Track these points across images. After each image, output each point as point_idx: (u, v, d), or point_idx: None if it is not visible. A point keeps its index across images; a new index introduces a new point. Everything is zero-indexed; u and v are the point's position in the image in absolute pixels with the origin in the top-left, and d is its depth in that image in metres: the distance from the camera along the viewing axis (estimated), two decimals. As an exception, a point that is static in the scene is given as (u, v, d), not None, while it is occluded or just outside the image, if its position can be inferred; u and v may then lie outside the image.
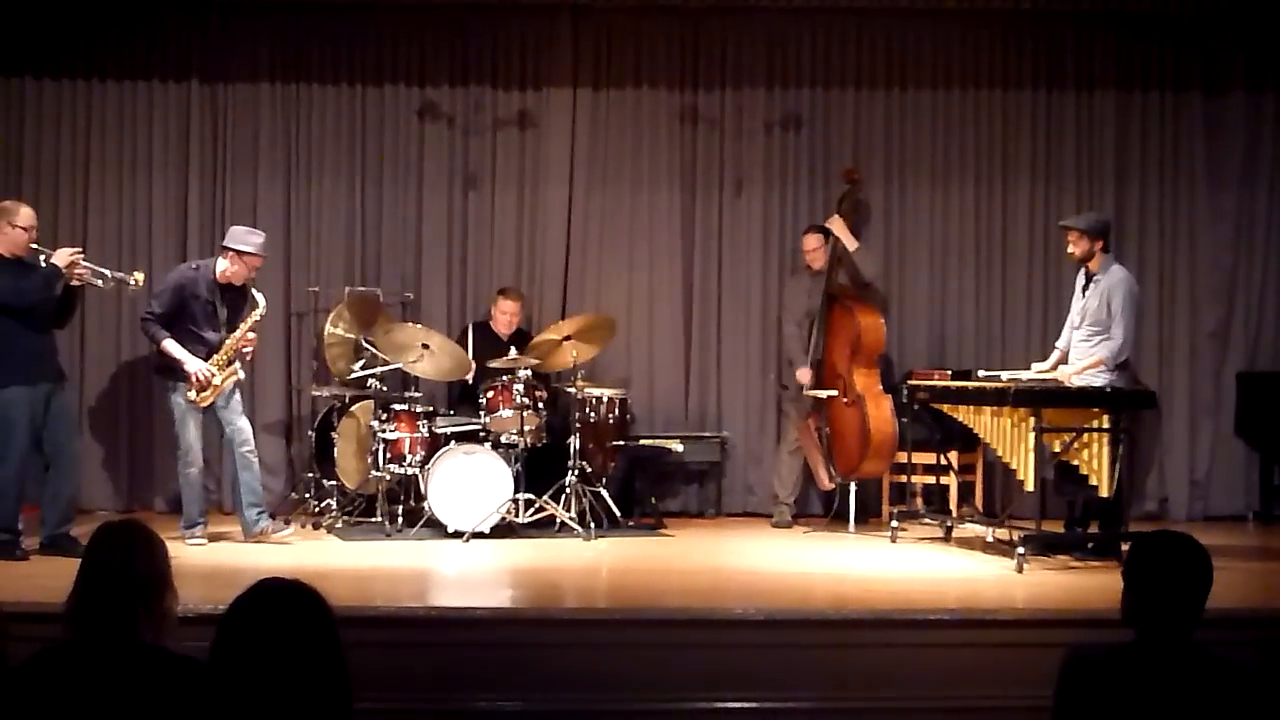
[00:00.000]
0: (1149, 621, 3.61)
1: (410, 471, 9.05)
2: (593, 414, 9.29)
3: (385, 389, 9.26)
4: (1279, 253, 10.40)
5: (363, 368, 9.35)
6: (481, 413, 9.10)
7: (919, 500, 9.69)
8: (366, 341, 9.48)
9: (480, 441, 9.03)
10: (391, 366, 9.20)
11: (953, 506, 9.64)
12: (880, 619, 6.41)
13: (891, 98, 10.41)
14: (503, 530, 8.82)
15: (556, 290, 10.38)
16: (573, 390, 9.19)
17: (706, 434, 10.27)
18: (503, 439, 8.99)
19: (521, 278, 10.33)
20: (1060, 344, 8.57)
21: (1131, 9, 10.19)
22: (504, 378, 9.08)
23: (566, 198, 10.36)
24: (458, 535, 8.68)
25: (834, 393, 9.53)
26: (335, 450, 9.41)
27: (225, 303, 8.68)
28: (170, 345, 8.44)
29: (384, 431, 8.99)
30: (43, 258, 7.96)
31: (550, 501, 8.95)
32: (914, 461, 9.33)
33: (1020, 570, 7.65)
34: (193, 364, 8.43)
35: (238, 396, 8.73)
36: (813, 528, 9.65)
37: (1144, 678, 3.53)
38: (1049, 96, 10.38)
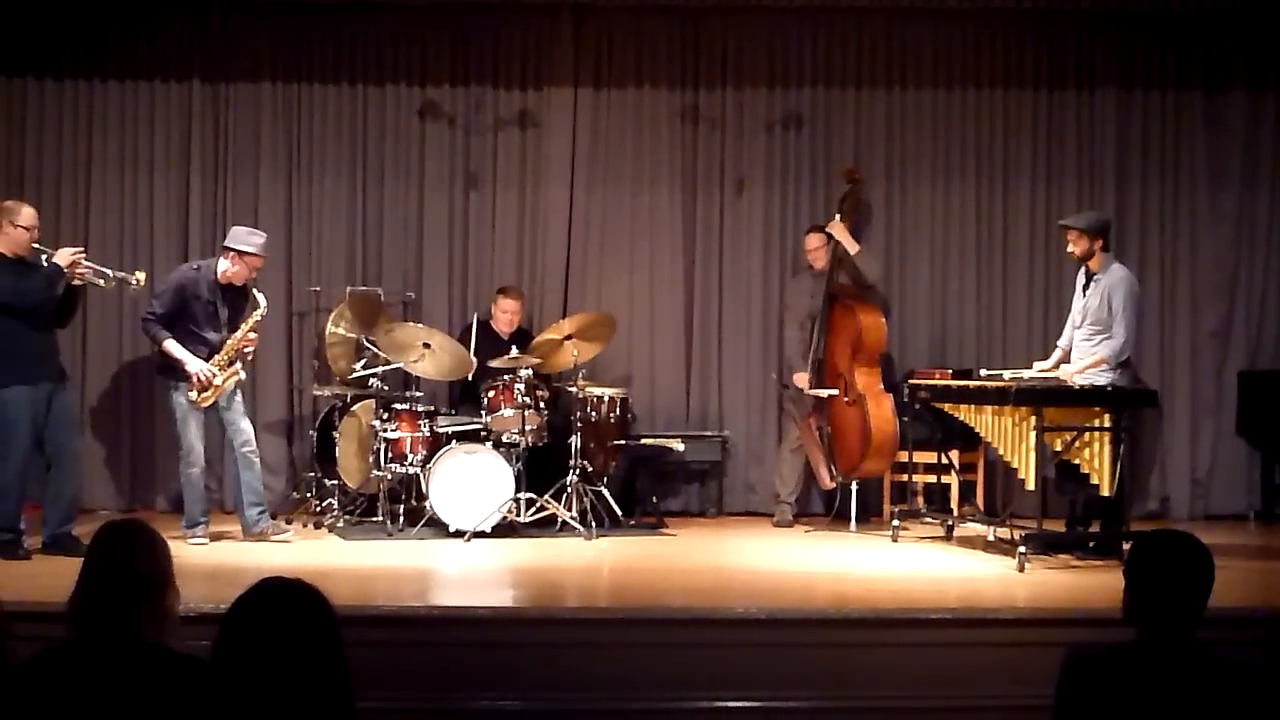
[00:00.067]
0: (1150, 621, 3.61)
1: (412, 471, 9.05)
2: (594, 413, 9.29)
3: (386, 388, 9.26)
4: (1280, 252, 10.42)
5: (364, 367, 9.36)
6: (483, 412, 9.10)
7: (920, 499, 9.69)
8: (368, 341, 9.49)
9: (481, 441, 9.03)
10: (393, 366, 9.20)
11: (954, 506, 9.64)
12: (881, 618, 6.41)
13: (892, 97, 10.41)
14: (504, 530, 8.82)
15: (557, 290, 10.38)
16: (574, 389, 9.19)
17: (708, 433, 10.27)
18: (504, 438, 8.99)
19: (522, 277, 10.33)
20: (1061, 343, 8.57)
21: (1132, 8, 10.18)
22: (505, 377, 9.08)
23: (568, 197, 10.36)
24: (459, 534, 8.69)
25: (835, 392, 9.53)
26: (337, 450, 9.41)
27: (226, 303, 8.68)
28: (171, 345, 8.45)
29: (385, 431, 9.00)
30: (44, 257, 7.96)
31: (551, 501, 8.95)
32: (915, 460, 9.33)
33: (1022, 569, 7.65)
34: (194, 364, 8.43)
35: (239, 396, 8.73)
36: (814, 527, 9.66)
37: (1145, 677, 3.53)
38: (1050, 96, 10.38)
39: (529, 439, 8.99)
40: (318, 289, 10.11)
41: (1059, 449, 8.04)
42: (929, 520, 9.21)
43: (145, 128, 10.17)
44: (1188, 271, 10.37)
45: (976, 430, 8.46)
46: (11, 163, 10.08)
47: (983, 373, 8.73)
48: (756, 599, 6.77)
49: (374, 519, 9.16)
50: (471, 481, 8.78)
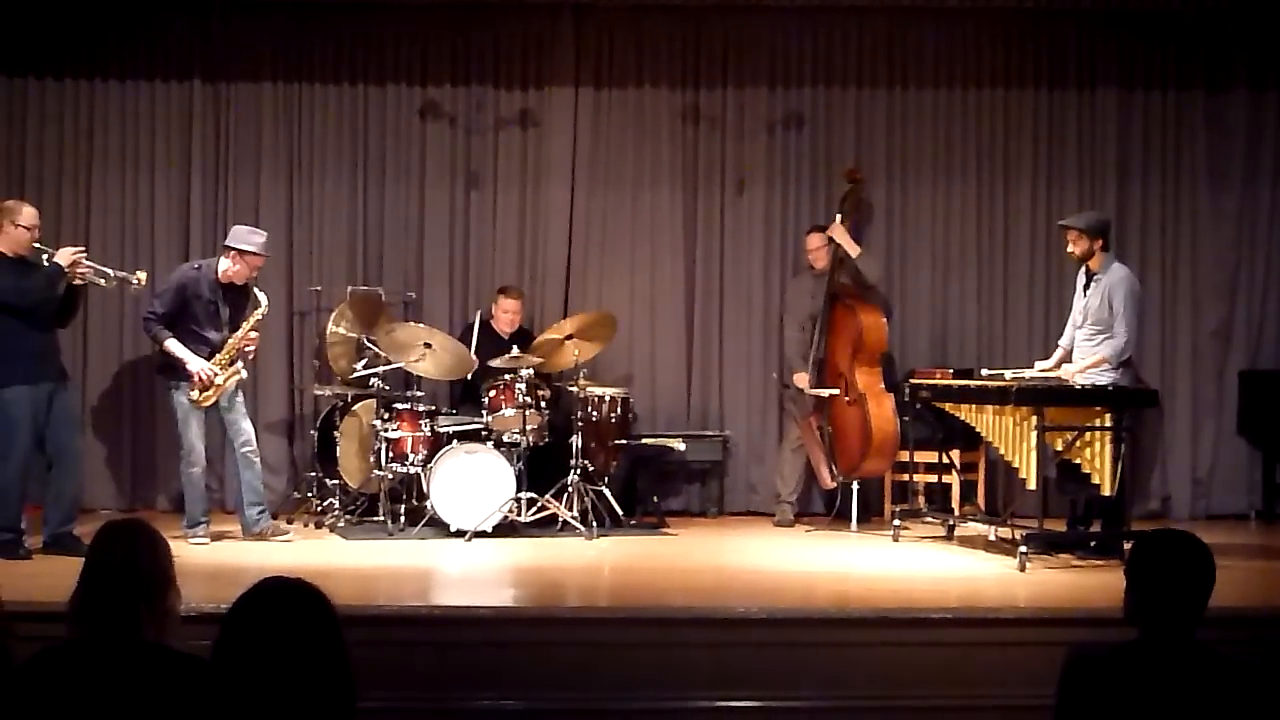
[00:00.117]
0: (1151, 620, 3.61)
1: (412, 470, 9.05)
2: (595, 413, 9.29)
3: (387, 388, 9.26)
4: (1281, 251, 10.42)
5: (365, 367, 9.36)
6: (484, 412, 9.10)
7: (921, 499, 9.69)
8: (368, 341, 9.49)
9: (482, 440, 9.03)
10: (393, 366, 9.20)
11: (955, 505, 9.64)
12: (882, 618, 6.41)
13: (894, 97, 10.41)
14: (505, 529, 8.82)
15: (558, 289, 10.38)
16: (575, 389, 9.19)
17: (708, 433, 10.27)
18: (505, 438, 8.99)
19: (523, 277, 10.33)
20: (1063, 342, 8.57)
21: (1134, 8, 10.19)
22: (506, 377, 9.08)
23: (568, 197, 10.36)
24: (460, 534, 8.68)
25: (836, 391, 9.53)
26: (337, 449, 9.41)
27: (227, 302, 8.68)
28: (173, 345, 8.45)
29: (386, 430, 9.00)
30: (45, 257, 7.96)
31: (552, 500, 8.95)
32: (916, 460, 9.34)
33: (1023, 569, 7.65)
34: (195, 364, 8.43)
35: (240, 397, 8.74)
36: (815, 526, 9.66)
37: (1147, 677, 3.53)
38: (1051, 95, 10.38)
39: (530, 438, 8.99)
40: (319, 289, 10.11)
41: (1060, 448, 8.04)
42: (930, 520, 9.21)
43: (146, 127, 10.16)
44: (1189, 271, 10.36)
45: (977, 430, 8.45)
46: (12, 162, 10.08)
47: (984, 372, 8.74)
48: (757, 598, 6.76)
49: (375, 519, 9.16)
50: (472, 481, 8.78)
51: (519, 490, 8.85)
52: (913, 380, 9.16)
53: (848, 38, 10.42)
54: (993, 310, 10.42)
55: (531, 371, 9.07)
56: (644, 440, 9.83)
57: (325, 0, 10.14)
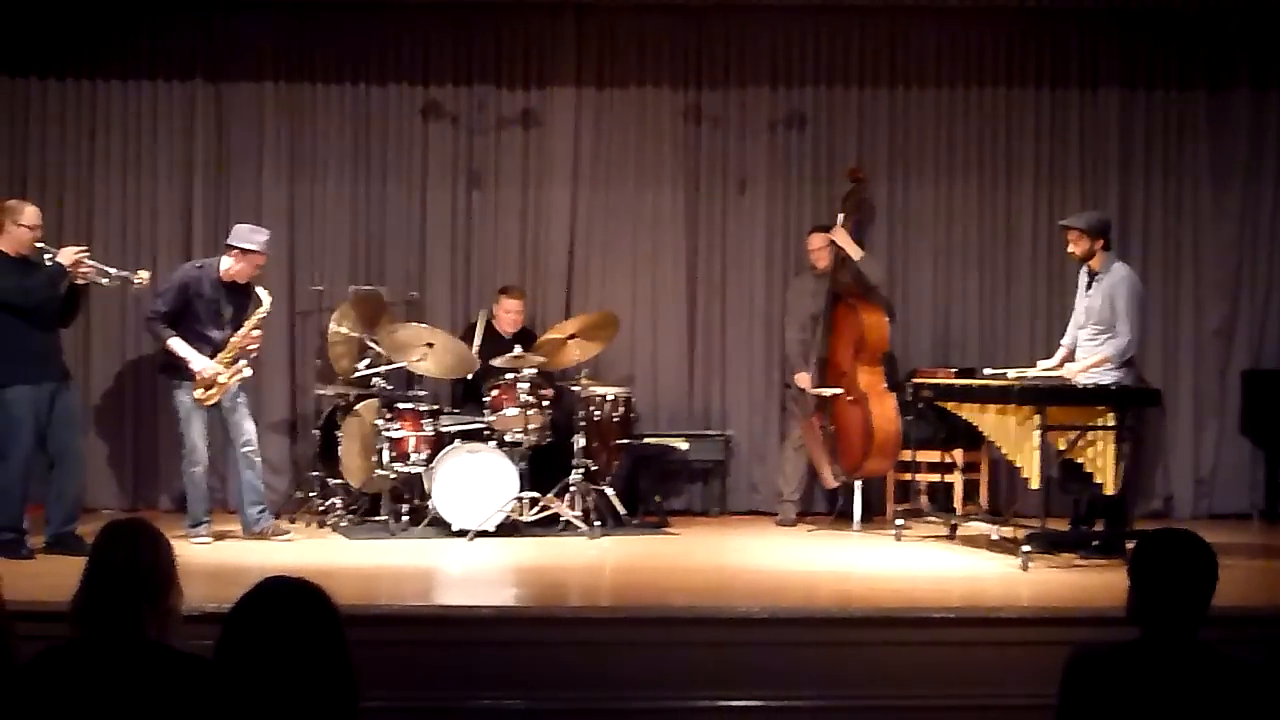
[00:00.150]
0: (1154, 620, 3.61)
1: (415, 470, 9.05)
2: (597, 412, 9.29)
3: (390, 387, 9.26)
4: (1284, 250, 10.42)
5: (367, 366, 9.36)
6: (486, 411, 9.09)
7: (923, 498, 9.70)
8: (371, 340, 9.49)
9: (485, 440, 9.03)
10: (395, 365, 9.20)
11: (957, 505, 9.64)
12: (885, 617, 6.41)
13: (895, 96, 10.41)
14: (507, 529, 8.83)
15: (560, 289, 10.38)
16: (577, 389, 9.20)
17: (711, 432, 10.27)
18: (507, 437, 8.99)
19: (525, 276, 10.32)
20: (1065, 341, 8.56)
21: (1135, 6, 10.19)
22: (508, 376, 9.08)
23: (570, 196, 10.36)
24: (462, 534, 8.68)
25: (838, 391, 9.53)
26: (340, 449, 9.40)
27: (230, 301, 8.69)
28: (176, 344, 8.46)
29: (388, 430, 9.00)
30: (48, 256, 7.97)
31: (555, 500, 8.96)
32: (918, 460, 9.35)
33: (1025, 568, 7.65)
34: (198, 362, 8.44)
35: (243, 397, 8.75)
36: (817, 526, 9.66)
37: (1149, 676, 3.53)
38: (1053, 94, 10.37)
39: (532, 438, 8.99)
40: (321, 288, 10.10)
41: (1063, 448, 8.04)
42: (932, 519, 9.20)
43: (148, 127, 10.17)
44: (1191, 270, 10.36)
45: (980, 429, 8.45)
46: (14, 162, 10.09)
47: (987, 372, 8.72)
48: (760, 598, 6.77)
49: (377, 518, 9.17)
50: (475, 480, 8.78)
51: (521, 490, 8.85)
52: (915, 379, 9.16)
53: (849, 37, 10.41)
54: (995, 309, 10.41)
55: (534, 371, 9.07)
56: (646, 440, 9.84)
57: (326, 0, 10.13)
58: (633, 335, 10.31)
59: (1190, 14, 10.21)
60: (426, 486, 8.91)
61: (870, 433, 9.33)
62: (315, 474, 9.71)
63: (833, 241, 9.69)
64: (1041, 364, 8.62)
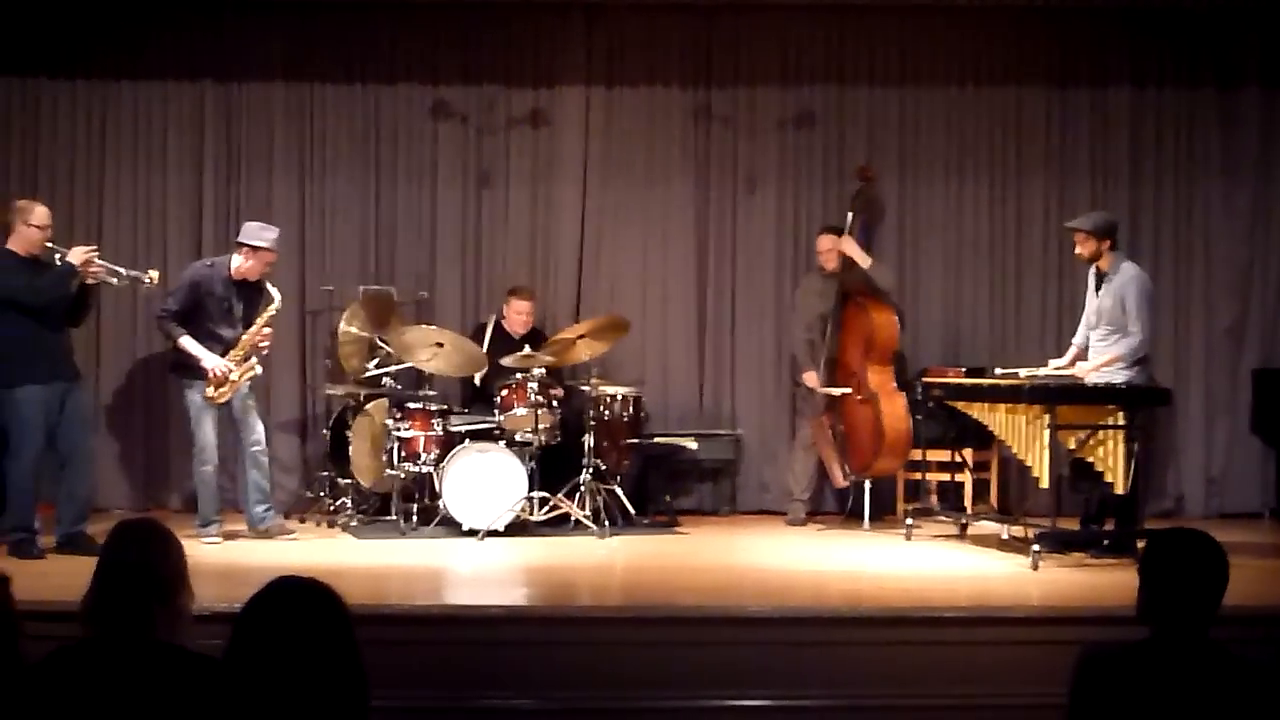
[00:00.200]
0: (1165, 619, 3.60)
1: (425, 470, 9.06)
2: (607, 412, 9.29)
3: (400, 387, 9.27)
4: (1294, 249, 10.39)
5: (377, 366, 9.37)
6: (496, 411, 9.10)
7: (933, 498, 9.68)
8: (381, 340, 9.50)
9: (494, 440, 9.03)
10: (405, 365, 9.21)
11: (967, 504, 9.62)
12: (894, 616, 6.40)
13: (905, 94, 10.40)
14: (517, 528, 8.83)
15: (570, 288, 10.38)
16: (587, 388, 9.20)
17: (720, 431, 10.26)
18: (517, 437, 9.00)
19: (535, 275, 10.32)
20: (1077, 340, 8.55)
21: (1145, 5, 10.17)
22: (518, 376, 9.09)
23: (580, 195, 10.37)
24: (472, 533, 8.69)
25: (848, 390, 9.53)
26: (350, 449, 9.41)
27: (241, 299, 8.71)
28: (187, 342, 8.47)
29: (398, 430, 9.00)
30: (58, 256, 7.98)
31: (564, 499, 8.95)
32: (928, 459, 9.33)
33: (1035, 568, 7.64)
34: (210, 360, 8.45)
35: (253, 398, 8.77)
36: (827, 525, 9.65)
37: (1160, 676, 3.52)
38: (1062, 92, 10.36)
39: (542, 438, 9.00)
40: (330, 288, 10.11)
41: (1073, 447, 8.02)
42: (942, 519, 9.20)
43: (158, 127, 10.18)
44: (1202, 269, 10.34)
45: (990, 428, 8.44)
46: (25, 162, 10.11)
47: (998, 371, 8.71)
48: (769, 597, 6.77)
49: (387, 518, 9.18)
50: (484, 480, 8.79)
51: (531, 489, 8.85)
52: (925, 379, 9.16)
53: (859, 36, 10.41)
54: (1004, 308, 10.40)
55: (544, 371, 9.07)
56: (656, 439, 9.84)
57: (336, 0, 10.14)
58: (642, 334, 10.30)
59: (1200, 12, 10.19)
60: (436, 486, 8.91)
61: (880, 432, 9.32)
62: (325, 474, 9.72)
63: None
64: (1053, 363, 8.60)
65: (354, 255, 10.28)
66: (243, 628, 3.00)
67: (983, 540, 8.65)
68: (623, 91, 10.40)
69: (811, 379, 9.71)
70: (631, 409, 9.42)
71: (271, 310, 8.73)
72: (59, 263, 7.95)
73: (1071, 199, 10.19)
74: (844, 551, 8.54)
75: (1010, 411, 8.16)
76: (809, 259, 10.15)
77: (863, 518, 9.46)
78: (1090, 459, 8.00)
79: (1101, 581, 7.42)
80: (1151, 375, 8.72)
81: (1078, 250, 8.36)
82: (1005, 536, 8.42)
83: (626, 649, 6.11)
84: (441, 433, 9.07)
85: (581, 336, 9.21)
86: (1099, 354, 8.25)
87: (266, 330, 8.73)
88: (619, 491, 9.16)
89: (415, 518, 8.99)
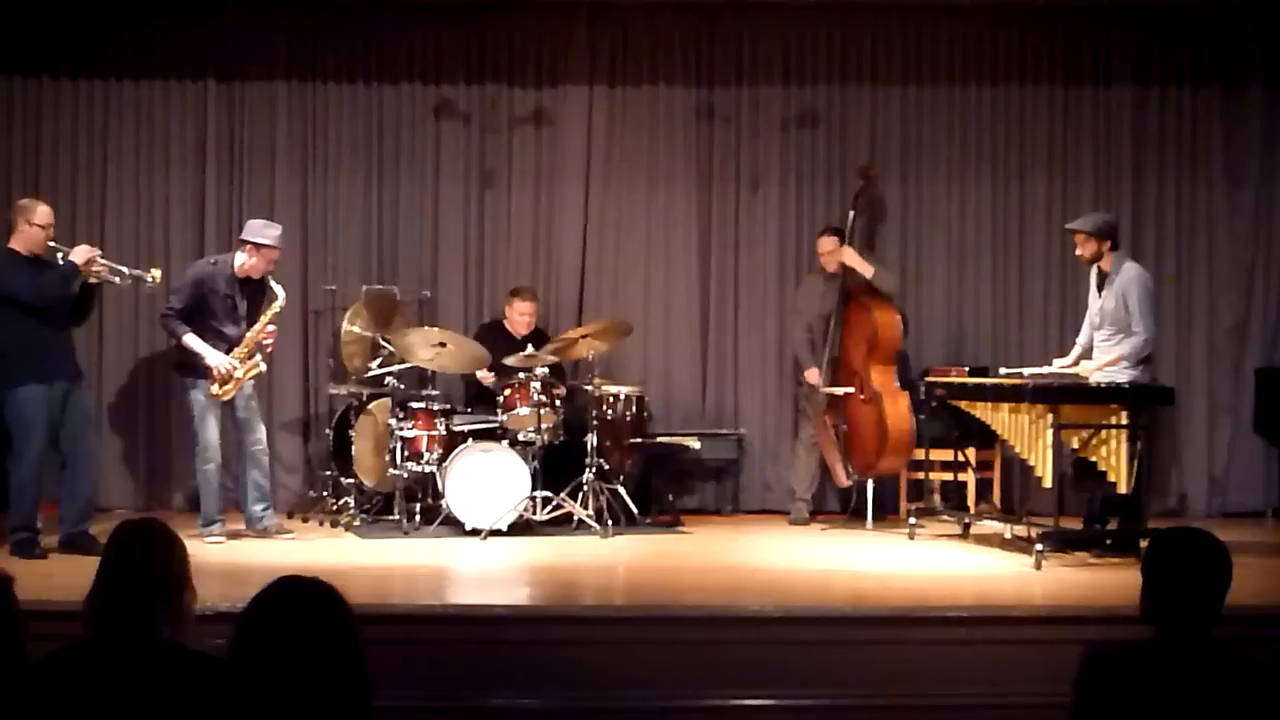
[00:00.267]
0: (1168, 618, 3.59)
1: (428, 469, 9.06)
2: (610, 411, 9.29)
3: (403, 387, 9.26)
4: (1297, 248, 10.39)
5: (380, 365, 9.37)
6: (499, 410, 9.10)
7: (937, 497, 9.67)
8: (383, 339, 9.50)
9: (497, 439, 9.03)
10: (408, 365, 9.21)
11: (970, 503, 9.62)
12: (898, 616, 6.40)
13: (908, 93, 10.39)
14: (520, 528, 8.82)
15: (573, 287, 10.38)
16: (590, 388, 9.19)
17: (723, 431, 10.26)
18: (520, 436, 9.00)
19: (538, 275, 10.33)
20: (1081, 340, 8.54)
21: (1149, 4, 10.17)
22: (521, 375, 9.09)
23: (583, 195, 10.37)
24: (475, 533, 8.69)
25: (851, 390, 9.52)
26: (353, 448, 9.42)
27: (244, 296, 8.72)
28: (191, 340, 8.47)
29: (401, 429, 9.01)
30: (60, 255, 7.98)
31: (568, 499, 8.95)
32: (931, 458, 9.33)
33: (1038, 567, 7.63)
34: (213, 357, 8.45)
35: (255, 400, 8.79)
36: (830, 525, 9.65)
37: (1163, 675, 3.52)
38: (1066, 92, 10.35)
39: (545, 437, 9.00)
40: (333, 287, 10.11)
41: (1076, 446, 8.02)
42: (945, 518, 9.19)
43: (160, 127, 10.18)
44: (1205, 268, 10.34)
45: (993, 428, 8.44)
46: (28, 161, 10.11)
47: (1002, 370, 8.71)
48: (772, 597, 6.76)
49: (390, 517, 9.18)
50: (487, 480, 8.79)
51: (534, 489, 8.85)
52: (928, 378, 9.15)
53: (862, 35, 10.40)
54: (1008, 307, 10.39)
55: (546, 370, 9.07)
56: (659, 439, 9.83)
57: (339, -1, 10.17)
58: (645, 334, 10.30)
59: (1204, 12, 10.19)
60: (439, 486, 8.91)
61: (884, 432, 9.32)
62: (328, 473, 9.72)
63: (843, 241, 9.67)
64: (1057, 362, 8.60)
65: (356, 254, 10.28)
66: (246, 627, 3.00)
67: (986, 540, 8.65)
68: (626, 91, 10.40)
69: (814, 375, 9.70)
70: (634, 408, 9.42)
71: (276, 307, 8.73)
72: (61, 262, 7.95)
73: (1074, 198, 10.18)
74: (847, 551, 8.53)
75: (1013, 411, 8.16)
76: (812, 258, 10.14)
77: (866, 517, 9.45)
78: (1093, 458, 8.00)
79: (1105, 581, 7.42)
80: (1155, 374, 8.71)
81: (1078, 251, 8.36)
82: (1008, 536, 8.41)
83: (629, 649, 6.11)
84: (444, 432, 9.07)
85: (584, 337, 9.21)
86: (1103, 354, 8.25)
87: (271, 328, 8.73)
88: (622, 491, 9.15)
89: (418, 517, 8.98)
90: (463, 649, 6.13)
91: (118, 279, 8.30)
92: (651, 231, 10.41)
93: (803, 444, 9.95)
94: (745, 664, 6.09)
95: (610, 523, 8.88)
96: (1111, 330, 8.23)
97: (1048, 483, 8.01)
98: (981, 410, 8.46)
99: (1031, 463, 8.11)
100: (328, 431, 9.82)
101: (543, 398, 8.96)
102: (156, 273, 8.48)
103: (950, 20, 10.32)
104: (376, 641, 3.11)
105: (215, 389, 8.47)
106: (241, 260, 8.67)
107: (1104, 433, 7.93)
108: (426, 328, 9.43)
